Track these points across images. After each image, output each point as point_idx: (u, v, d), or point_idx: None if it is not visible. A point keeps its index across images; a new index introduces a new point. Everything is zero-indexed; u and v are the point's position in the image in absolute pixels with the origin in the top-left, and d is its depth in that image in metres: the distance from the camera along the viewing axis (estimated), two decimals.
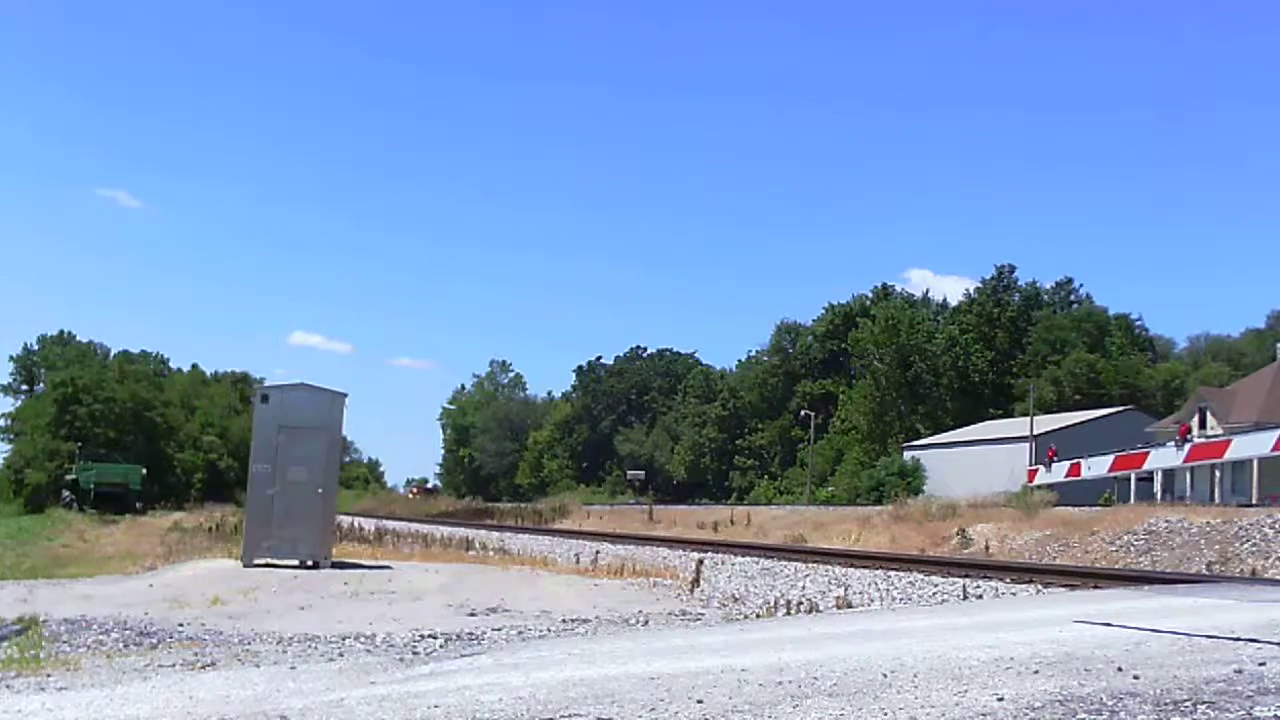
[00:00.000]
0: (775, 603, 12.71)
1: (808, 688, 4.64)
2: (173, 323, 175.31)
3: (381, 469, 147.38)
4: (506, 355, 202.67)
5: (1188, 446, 44.30)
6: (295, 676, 6.13)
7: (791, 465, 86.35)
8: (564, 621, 10.68)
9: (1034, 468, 51.30)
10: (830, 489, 69.59)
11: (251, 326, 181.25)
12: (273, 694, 5.42)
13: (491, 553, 22.64)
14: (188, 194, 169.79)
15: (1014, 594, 13.65)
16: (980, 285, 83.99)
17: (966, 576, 15.87)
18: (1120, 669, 4.84)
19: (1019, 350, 77.74)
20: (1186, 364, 78.47)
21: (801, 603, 12.32)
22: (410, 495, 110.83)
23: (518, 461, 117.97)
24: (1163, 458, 45.30)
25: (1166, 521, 24.13)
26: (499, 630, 9.88)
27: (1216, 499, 39.89)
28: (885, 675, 4.86)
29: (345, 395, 16.14)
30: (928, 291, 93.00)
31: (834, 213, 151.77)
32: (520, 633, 9.72)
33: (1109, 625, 6.58)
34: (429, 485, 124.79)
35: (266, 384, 19.39)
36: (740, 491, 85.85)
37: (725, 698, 4.48)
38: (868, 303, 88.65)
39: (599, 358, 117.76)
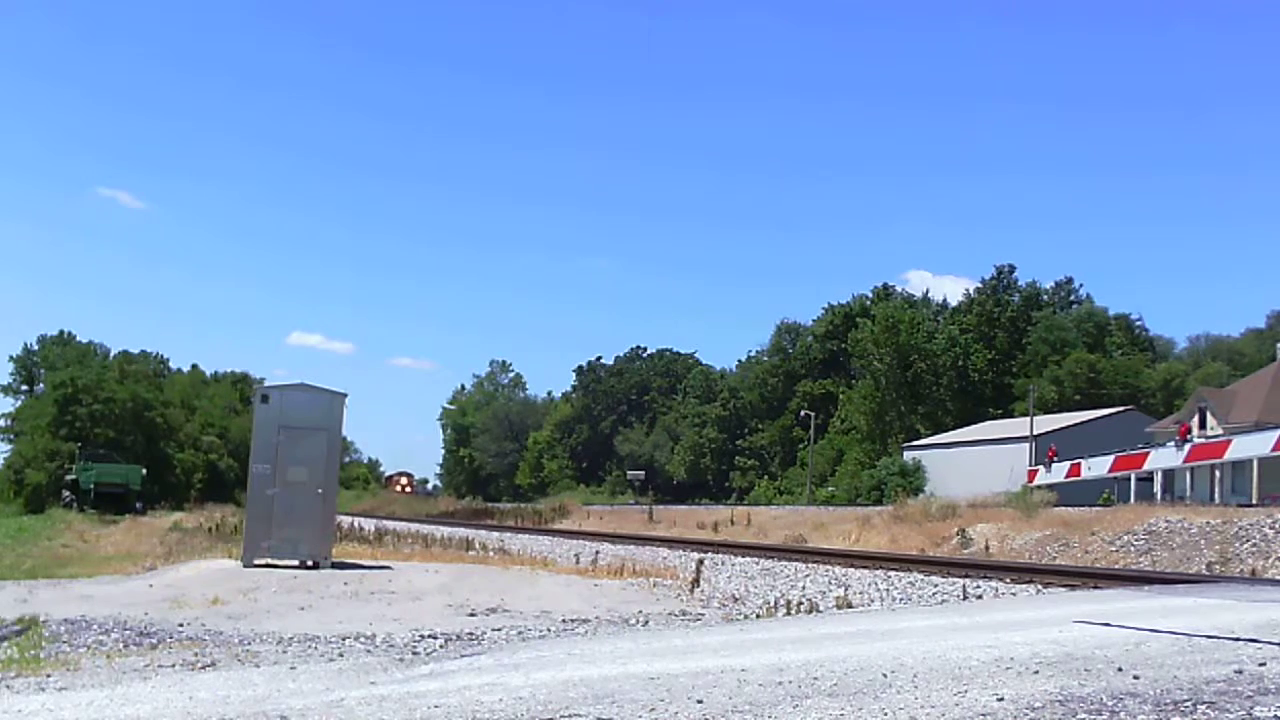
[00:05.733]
0: (775, 603, 12.71)
1: (808, 688, 4.64)
2: (173, 323, 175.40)
3: (381, 469, 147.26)
4: (506, 355, 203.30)
5: (1188, 447, 44.28)
6: (295, 677, 6.14)
7: (791, 465, 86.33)
8: (564, 621, 10.68)
9: (1034, 468, 51.29)
10: (830, 489, 69.58)
11: (251, 326, 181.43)
12: (273, 694, 5.42)
13: (491, 553, 22.63)
14: (188, 194, 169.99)
15: (1014, 594, 13.64)
16: (980, 285, 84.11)
17: (966, 576, 15.86)
18: (1120, 669, 4.84)
19: (1019, 350, 77.74)
20: (1186, 364, 78.42)
21: (801, 603, 12.32)
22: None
23: (518, 461, 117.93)
24: (1163, 458, 45.28)
25: (1166, 521, 24.11)
26: (499, 630, 9.88)
27: (1216, 499, 39.87)
28: (885, 675, 4.86)
29: (345, 395, 16.13)
30: (927, 292, 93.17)
31: (834, 213, 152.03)
32: (520, 633, 9.71)
33: (1109, 625, 6.58)
34: (427, 484, 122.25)
35: (266, 384, 19.38)
36: (740, 492, 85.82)
37: (725, 698, 4.48)
38: (868, 303, 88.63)
39: (599, 358, 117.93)
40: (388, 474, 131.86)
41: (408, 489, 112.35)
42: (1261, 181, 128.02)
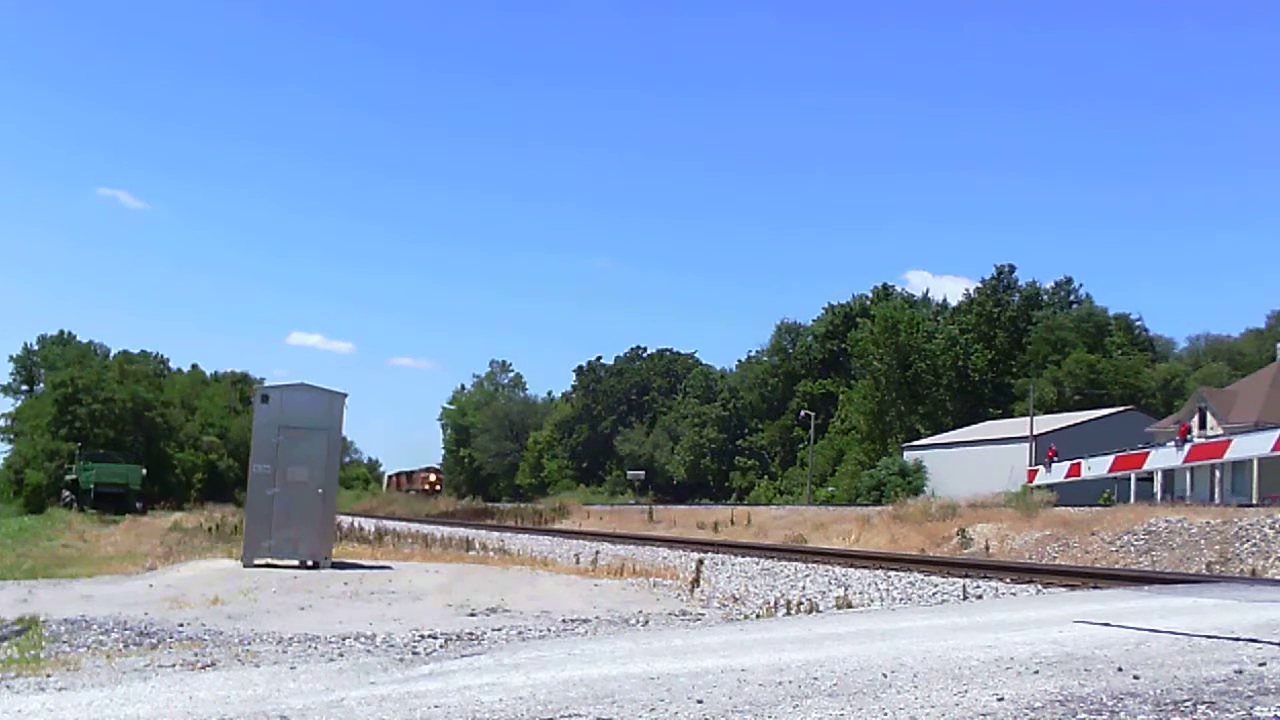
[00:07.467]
0: (775, 603, 12.71)
1: (808, 688, 4.64)
2: (173, 323, 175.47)
3: (381, 469, 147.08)
4: (506, 355, 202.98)
5: (1188, 446, 44.26)
6: (295, 676, 6.14)
7: (791, 465, 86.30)
8: (564, 621, 10.68)
9: (1034, 468, 51.27)
10: (830, 489, 69.57)
11: (251, 326, 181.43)
12: (273, 694, 5.43)
13: (491, 553, 22.63)
14: (188, 194, 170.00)
15: (1014, 594, 13.64)
16: (980, 285, 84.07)
17: (966, 576, 15.87)
18: (1120, 669, 4.84)
19: (1019, 350, 77.69)
20: (1186, 364, 78.38)
21: (801, 603, 12.32)
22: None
23: (518, 461, 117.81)
24: (1163, 458, 45.26)
25: (1166, 521, 24.12)
26: (499, 630, 9.88)
27: (1216, 499, 39.86)
28: (885, 675, 4.86)
29: (345, 395, 16.13)
30: (927, 292, 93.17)
31: (834, 212, 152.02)
32: (520, 633, 9.71)
33: (1109, 625, 6.58)
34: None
35: (266, 384, 19.38)
36: (740, 492, 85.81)
37: (725, 698, 4.48)
38: (868, 303, 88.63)
39: (599, 358, 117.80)
40: (393, 471, 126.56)
41: (436, 487, 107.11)
42: (1261, 181, 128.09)
